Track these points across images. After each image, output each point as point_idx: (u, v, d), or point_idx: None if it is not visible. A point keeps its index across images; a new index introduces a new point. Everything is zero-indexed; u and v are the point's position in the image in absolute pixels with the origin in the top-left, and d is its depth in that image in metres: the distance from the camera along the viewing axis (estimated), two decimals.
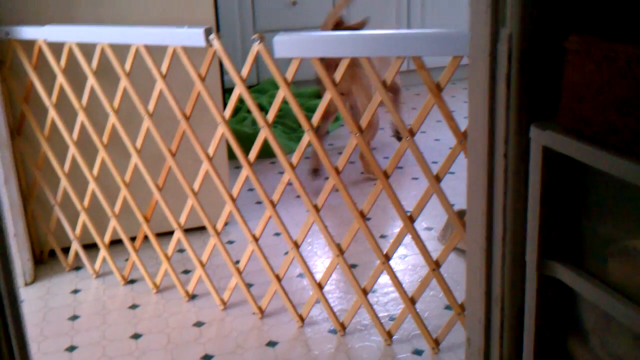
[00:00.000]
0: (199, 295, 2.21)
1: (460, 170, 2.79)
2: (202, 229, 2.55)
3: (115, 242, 2.43)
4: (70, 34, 2.09)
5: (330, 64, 1.90)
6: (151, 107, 2.06)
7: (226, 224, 2.40)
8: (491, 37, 1.16)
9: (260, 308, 2.07)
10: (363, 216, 1.83)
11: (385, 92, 1.69)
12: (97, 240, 2.31)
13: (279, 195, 1.94)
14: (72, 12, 2.27)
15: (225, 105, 2.62)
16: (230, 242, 2.54)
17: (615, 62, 0.98)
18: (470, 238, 1.32)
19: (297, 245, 1.95)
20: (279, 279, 2.01)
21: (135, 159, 2.14)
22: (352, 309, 1.95)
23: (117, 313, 2.14)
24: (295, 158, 1.88)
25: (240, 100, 3.81)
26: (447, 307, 2.07)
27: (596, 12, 1.13)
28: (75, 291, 2.28)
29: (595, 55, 1.02)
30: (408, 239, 2.28)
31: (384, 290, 2.17)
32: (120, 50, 2.07)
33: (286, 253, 2.28)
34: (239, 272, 2.06)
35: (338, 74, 1.71)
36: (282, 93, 1.81)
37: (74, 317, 2.13)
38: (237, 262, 2.10)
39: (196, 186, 2.07)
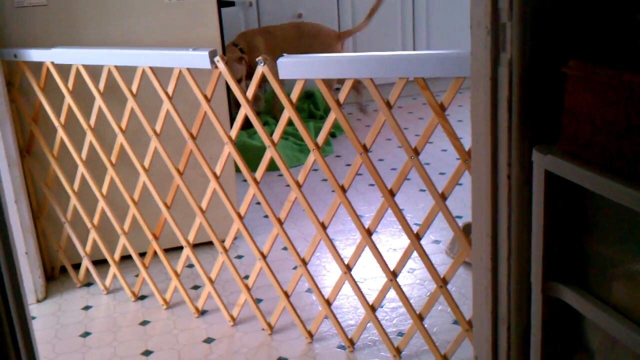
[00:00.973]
0: (209, 311, 2.22)
1: (468, 181, 2.79)
2: (210, 243, 2.57)
3: (125, 258, 2.45)
4: (77, 57, 2.12)
5: None
6: (158, 127, 2.08)
7: (235, 238, 2.41)
8: (492, 61, 1.17)
9: (269, 324, 2.08)
10: (369, 233, 1.84)
11: (389, 112, 1.70)
12: (107, 257, 2.34)
13: (285, 213, 1.95)
14: (78, 33, 2.30)
15: (232, 119, 2.64)
16: (239, 257, 2.56)
17: (615, 89, 0.99)
18: (475, 258, 1.32)
19: (304, 263, 1.96)
20: (287, 295, 2.02)
21: (143, 178, 2.16)
22: (360, 324, 1.96)
23: (128, 329, 2.16)
24: (301, 176, 1.90)
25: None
26: (456, 322, 2.07)
27: (597, 39, 1.14)
28: (87, 307, 2.31)
29: (595, 81, 1.02)
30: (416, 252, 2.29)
31: (392, 305, 2.18)
32: (127, 70, 2.09)
33: (295, 268, 2.30)
34: (248, 289, 2.07)
35: (342, 95, 1.73)
36: (287, 114, 1.82)
37: (86, 334, 2.15)
38: (246, 277, 2.12)
39: (204, 204, 2.09)
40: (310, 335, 2.03)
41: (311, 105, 4.08)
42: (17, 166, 2.26)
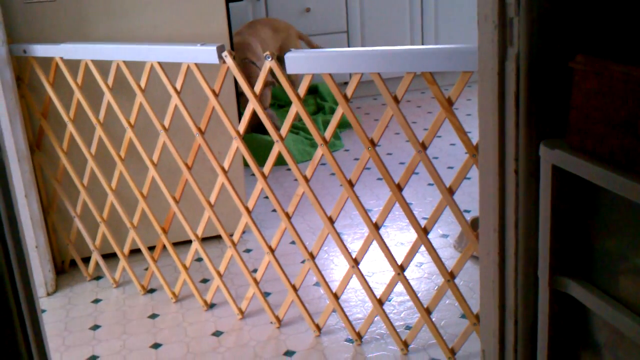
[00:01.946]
0: (217, 305, 2.24)
1: (476, 176, 2.79)
2: (219, 237, 2.58)
3: (135, 251, 2.47)
4: (85, 52, 2.13)
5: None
6: (167, 122, 2.09)
7: (243, 232, 2.42)
8: (499, 56, 1.17)
9: (277, 317, 2.09)
10: (377, 227, 1.85)
11: (397, 106, 1.71)
12: (117, 250, 2.35)
13: (293, 207, 1.96)
14: (87, 29, 2.31)
15: (240, 114, 2.65)
16: (248, 251, 2.57)
17: (622, 83, 0.99)
18: (483, 252, 1.33)
19: (312, 256, 1.97)
20: (295, 288, 2.03)
21: (152, 172, 2.17)
22: (368, 318, 1.97)
23: (137, 322, 2.18)
24: (309, 171, 1.91)
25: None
26: (463, 316, 2.08)
27: (604, 33, 1.13)
28: (96, 301, 2.33)
29: (603, 76, 1.02)
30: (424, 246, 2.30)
31: (400, 299, 2.19)
32: (135, 65, 2.10)
33: (303, 261, 2.31)
34: (256, 282, 2.08)
35: (350, 90, 1.74)
36: (295, 108, 1.83)
37: (95, 327, 2.17)
38: (255, 270, 2.13)
39: (212, 198, 2.10)
40: (318, 328, 2.04)
41: (317, 99, 4.08)
42: (27, 161, 2.27)
